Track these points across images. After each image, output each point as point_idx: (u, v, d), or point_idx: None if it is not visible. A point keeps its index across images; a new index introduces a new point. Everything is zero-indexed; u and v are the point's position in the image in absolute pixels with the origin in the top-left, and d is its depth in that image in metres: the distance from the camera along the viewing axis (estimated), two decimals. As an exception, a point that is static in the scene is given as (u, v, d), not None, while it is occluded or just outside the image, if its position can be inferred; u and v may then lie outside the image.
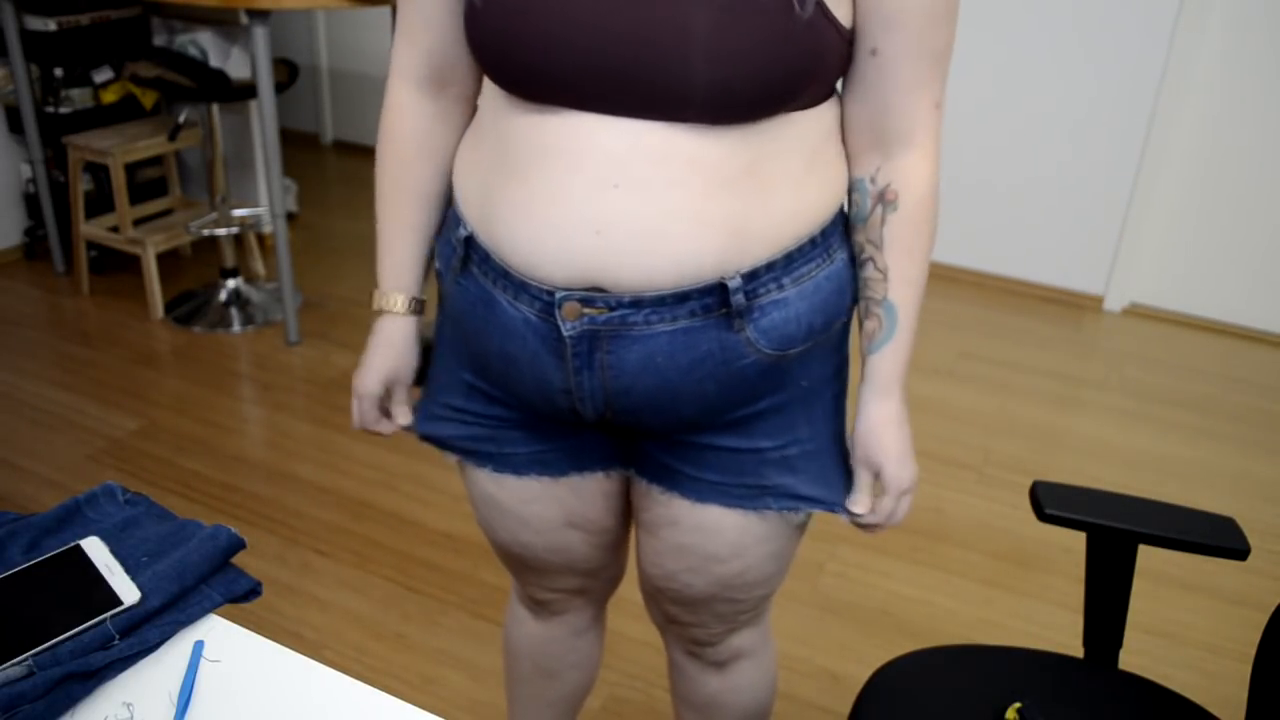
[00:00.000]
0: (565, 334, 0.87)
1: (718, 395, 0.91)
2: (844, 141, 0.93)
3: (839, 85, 0.91)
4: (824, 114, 0.88)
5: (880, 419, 0.97)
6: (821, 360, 0.95)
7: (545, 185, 0.83)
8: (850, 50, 0.85)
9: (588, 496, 1.07)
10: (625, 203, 0.81)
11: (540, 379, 0.92)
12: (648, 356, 0.87)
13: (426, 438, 1.10)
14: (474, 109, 1.01)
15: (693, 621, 1.14)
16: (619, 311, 0.85)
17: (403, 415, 1.13)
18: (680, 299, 0.85)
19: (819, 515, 2.27)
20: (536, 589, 1.22)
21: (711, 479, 0.97)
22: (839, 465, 1.00)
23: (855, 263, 0.95)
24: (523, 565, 1.17)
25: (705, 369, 0.88)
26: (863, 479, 0.99)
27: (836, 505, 0.99)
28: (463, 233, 0.93)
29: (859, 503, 0.99)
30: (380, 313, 1.06)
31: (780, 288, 0.88)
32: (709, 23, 0.75)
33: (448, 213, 1.00)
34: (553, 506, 1.07)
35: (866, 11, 0.83)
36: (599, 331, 0.86)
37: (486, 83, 0.91)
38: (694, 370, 0.88)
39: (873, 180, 0.91)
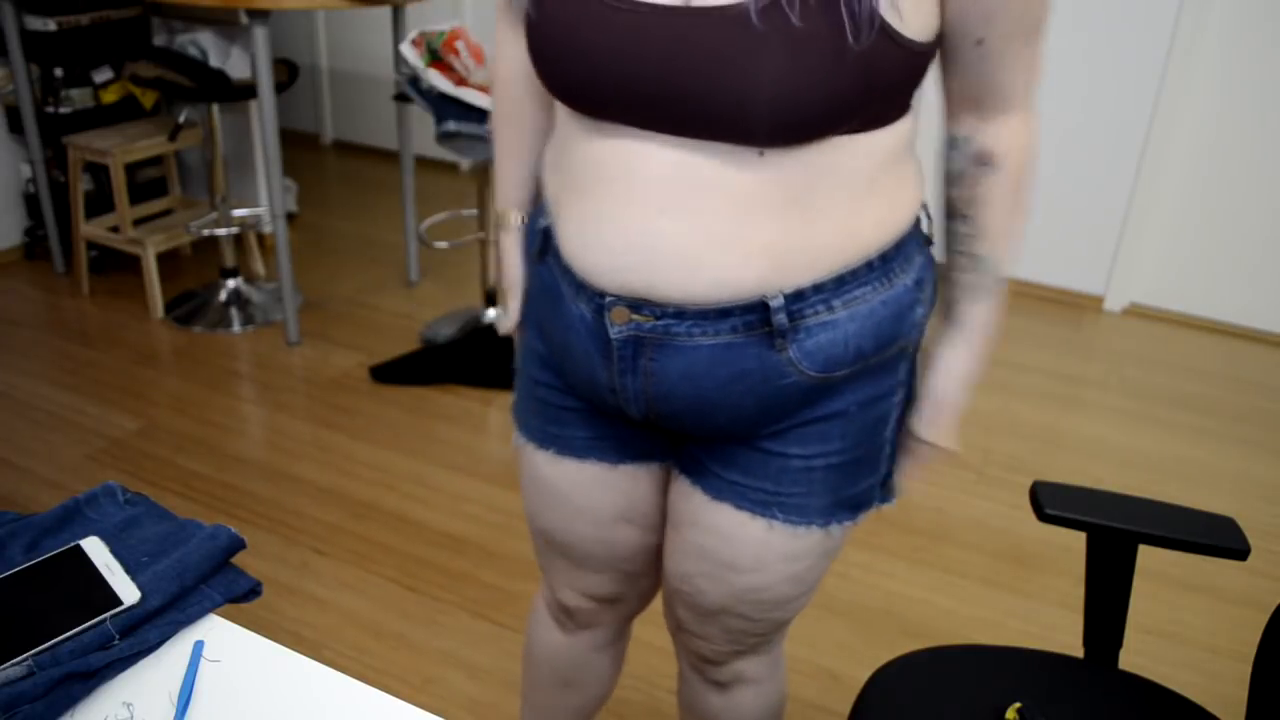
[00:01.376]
0: (612, 336, 0.90)
1: (755, 410, 0.91)
2: (945, 101, 0.92)
3: (915, 99, 0.90)
4: (893, 133, 0.86)
5: (958, 370, 0.99)
6: (871, 383, 0.93)
7: (597, 205, 0.87)
8: (925, 61, 0.84)
9: (642, 487, 1.08)
10: (670, 227, 0.83)
11: (590, 375, 0.95)
12: (688, 367, 0.89)
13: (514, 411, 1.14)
14: None
15: (700, 634, 1.13)
16: (663, 321, 0.87)
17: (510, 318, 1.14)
18: (722, 314, 0.86)
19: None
20: (569, 593, 1.21)
21: (731, 478, 0.98)
22: (855, 480, 0.99)
23: (925, 276, 0.93)
24: (566, 560, 1.17)
25: (745, 385, 0.89)
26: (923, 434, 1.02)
27: (831, 521, 0.99)
28: (543, 223, 0.97)
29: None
30: (500, 229, 1.11)
31: (830, 309, 0.87)
32: (769, 51, 0.74)
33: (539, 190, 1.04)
34: (608, 495, 1.08)
35: (962, 10, 0.82)
36: (644, 338, 0.89)
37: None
38: (733, 385, 0.89)
39: (969, 140, 0.91)
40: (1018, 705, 1.07)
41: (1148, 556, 2.18)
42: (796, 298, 0.86)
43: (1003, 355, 3.09)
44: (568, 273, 0.93)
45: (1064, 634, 1.97)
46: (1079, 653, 1.86)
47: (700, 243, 0.83)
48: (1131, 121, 3.21)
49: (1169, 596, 2.09)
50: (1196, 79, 3.15)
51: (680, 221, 0.83)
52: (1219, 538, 1.11)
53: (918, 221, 0.93)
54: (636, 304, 0.87)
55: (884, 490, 1.03)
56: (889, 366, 0.94)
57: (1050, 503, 1.15)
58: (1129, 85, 3.18)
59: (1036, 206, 3.43)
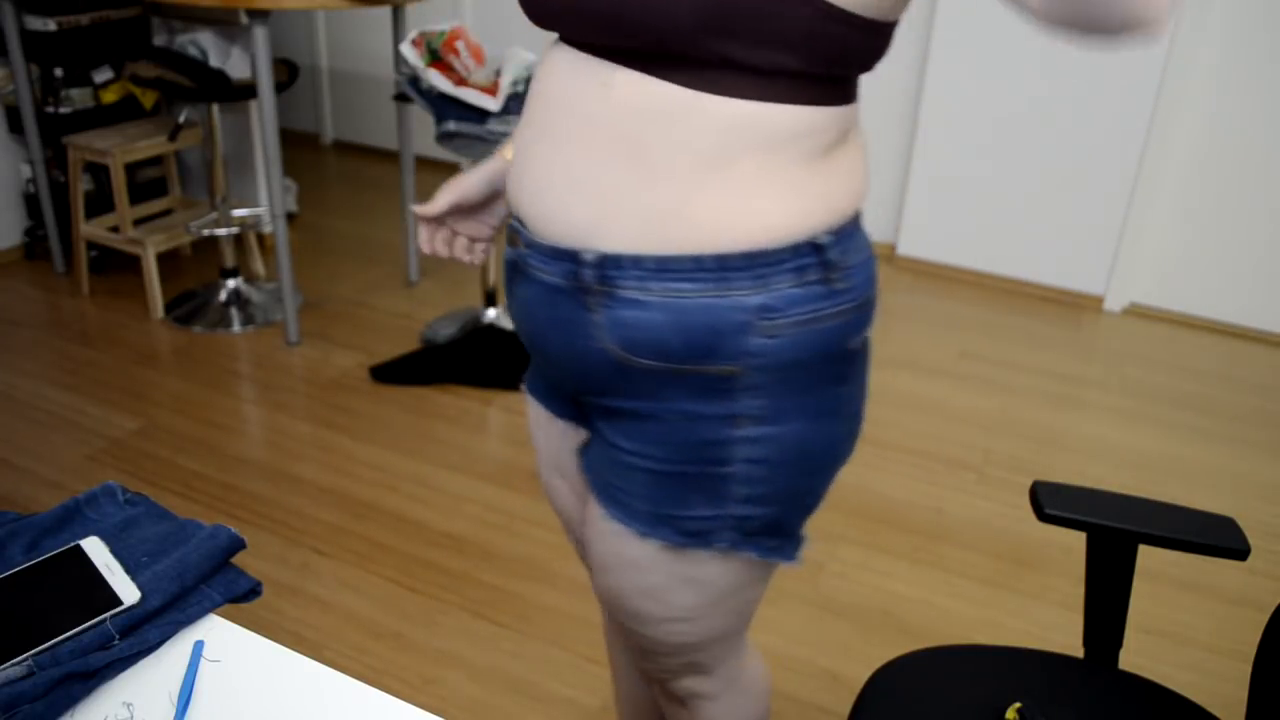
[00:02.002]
0: (505, 258, 0.96)
1: (572, 366, 0.90)
2: None
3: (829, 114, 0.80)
4: (771, 114, 0.77)
5: None
6: (693, 397, 0.85)
7: (522, 127, 0.90)
8: (838, 29, 0.75)
9: (568, 445, 1.09)
10: (540, 152, 0.86)
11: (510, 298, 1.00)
12: (529, 300, 0.91)
13: None
14: None
15: (629, 643, 1.08)
16: (522, 251, 0.90)
17: (478, 258, 1.14)
18: (555, 255, 0.86)
19: (813, 517, 2.27)
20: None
21: (589, 455, 0.99)
22: (684, 501, 0.90)
23: (786, 309, 0.82)
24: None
25: (561, 335, 0.88)
26: None
27: (651, 534, 0.92)
28: None
29: None
30: (498, 154, 1.10)
31: (645, 290, 0.81)
32: None
33: None
34: (546, 442, 1.11)
35: None
36: (515, 263, 0.92)
37: None
38: (553, 330, 0.90)
39: None
40: (1018, 705, 1.07)
41: (1148, 556, 2.18)
42: (612, 263, 0.81)
43: (1003, 355, 3.09)
44: None
45: (1064, 634, 1.97)
46: (1079, 653, 1.86)
47: (553, 175, 0.84)
48: (1131, 122, 3.21)
49: (1169, 596, 2.09)
50: (1196, 79, 3.15)
51: (547, 147, 0.85)
52: (1219, 538, 1.11)
53: (793, 251, 0.81)
54: (516, 229, 0.91)
55: (758, 542, 0.92)
56: (719, 390, 0.84)
57: (1050, 503, 1.15)
58: (1129, 85, 3.18)
59: (1036, 206, 3.44)
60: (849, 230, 0.85)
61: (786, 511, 0.92)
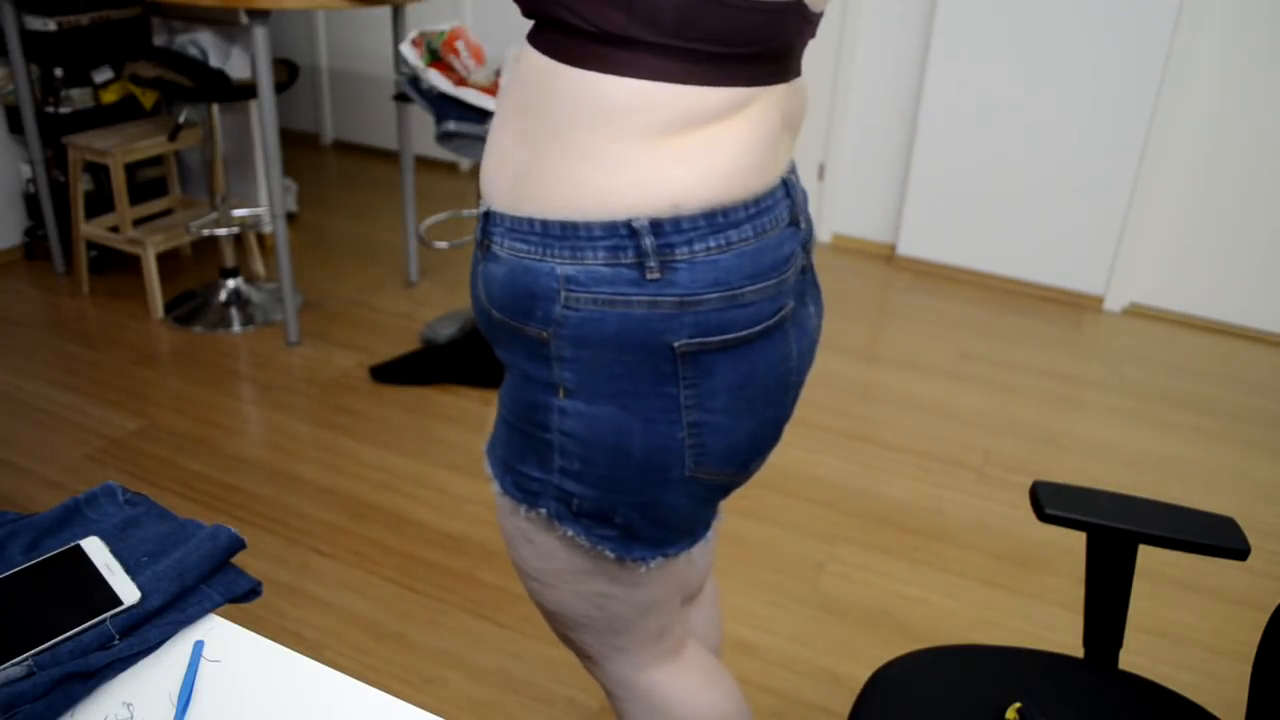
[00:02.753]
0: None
1: (484, 323, 0.95)
2: None
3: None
4: (619, 89, 0.77)
5: None
6: (523, 354, 0.89)
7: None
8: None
9: None
10: (491, 126, 0.92)
11: None
12: (472, 259, 0.96)
13: None
14: None
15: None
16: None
17: None
18: (482, 217, 0.92)
19: (813, 517, 2.27)
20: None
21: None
22: (521, 456, 0.94)
23: (588, 285, 0.83)
24: None
25: (473, 290, 0.95)
26: None
27: (499, 482, 0.98)
28: None
29: None
30: None
31: (501, 245, 0.87)
32: None
33: None
34: None
35: None
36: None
37: None
38: (474, 280, 0.94)
39: None
40: (1018, 705, 1.07)
41: (1148, 556, 2.18)
42: (494, 220, 0.89)
43: (1003, 355, 3.09)
44: None
45: (1064, 634, 1.97)
46: (1079, 653, 1.86)
47: (493, 141, 0.90)
48: (1131, 121, 3.21)
49: (1169, 596, 2.09)
50: (1196, 79, 3.15)
51: (494, 120, 0.91)
52: (1219, 538, 1.11)
53: (611, 227, 0.80)
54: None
55: (572, 516, 0.93)
56: (540, 353, 0.87)
57: (1050, 503, 1.15)
58: (1129, 85, 3.18)
59: (1036, 206, 3.44)
60: (685, 223, 0.80)
61: (613, 502, 0.91)
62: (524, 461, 0.94)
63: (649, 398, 0.86)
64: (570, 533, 0.95)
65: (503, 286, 0.87)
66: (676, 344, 0.83)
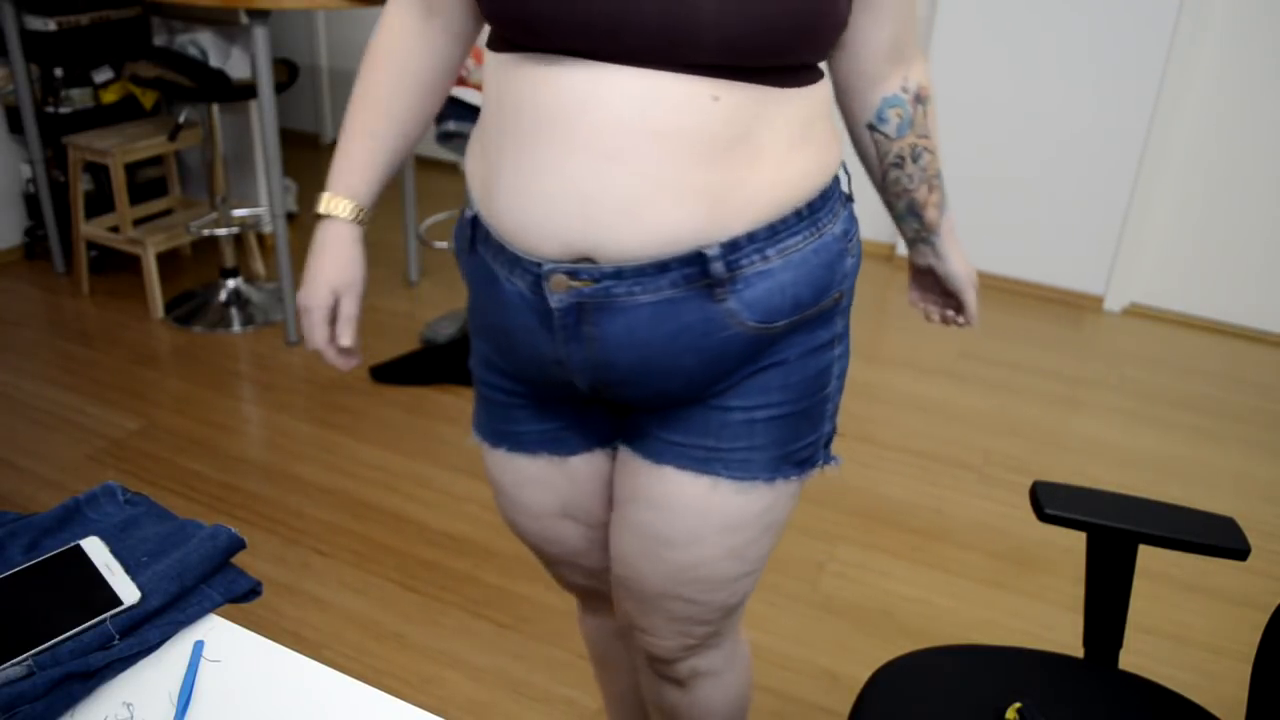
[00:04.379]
0: (552, 306, 0.88)
1: (699, 368, 0.91)
2: (864, 72, 0.98)
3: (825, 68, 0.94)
4: (813, 95, 0.89)
5: (960, 253, 1.10)
6: (808, 335, 0.94)
7: (541, 155, 0.84)
8: (848, 9, 0.88)
9: (586, 481, 1.08)
10: (618, 174, 0.82)
11: (535, 352, 0.94)
12: (630, 328, 0.88)
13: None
14: (462, 48, 1.03)
15: (645, 627, 1.11)
16: (603, 283, 0.86)
17: (346, 335, 1.04)
18: (661, 269, 0.85)
19: (813, 517, 2.27)
20: (561, 577, 1.23)
21: (673, 438, 0.98)
22: (798, 434, 0.99)
23: (850, 229, 0.97)
24: (538, 552, 1.18)
25: (686, 341, 0.89)
26: (970, 297, 1.11)
27: (777, 476, 0.99)
28: (469, 213, 0.95)
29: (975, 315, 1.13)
30: (324, 217, 1.03)
31: (765, 259, 0.88)
32: None
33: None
34: (550, 493, 1.08)
35: None
36: (585, 304, 0.87)
37: (489, 55, 0.91)
38: (675, 342, 0.89)
39: (905, 90, 0.99)
40: (1018, 705, 1.07)
41: (1148, 556, 2.18)
42: (732, 247, 0.86)
43: (1003, 355, 3.09)
44: (501, 251, 0.91)
45: (1064, 634, 1.97)
46: (1079, 653, 1.86)
47: (647, 191, 0.83)
48: (1131, 121, 3.21)
49: (1169, 596, 2.09)
50: (1196, 79, 3.15)
51: (628, 167, 0.82)
52: (1219, 538, 1.11)
53: (837, 180, 0.96)
54: (574, 269, 0.86)
55: (827, 450, 1.04)
56: (826, 319, 0.95)
57: (1050, 503, 1.15)
58: (1129, 85, 3.18)
59: (1036, 206, 3.44)
60: (843, 173, 1.00)
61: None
62: (799, 437, 0.99)
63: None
64: (827, 465, 1.05)
65: (798, 286, 0.90)
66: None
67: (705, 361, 0.91)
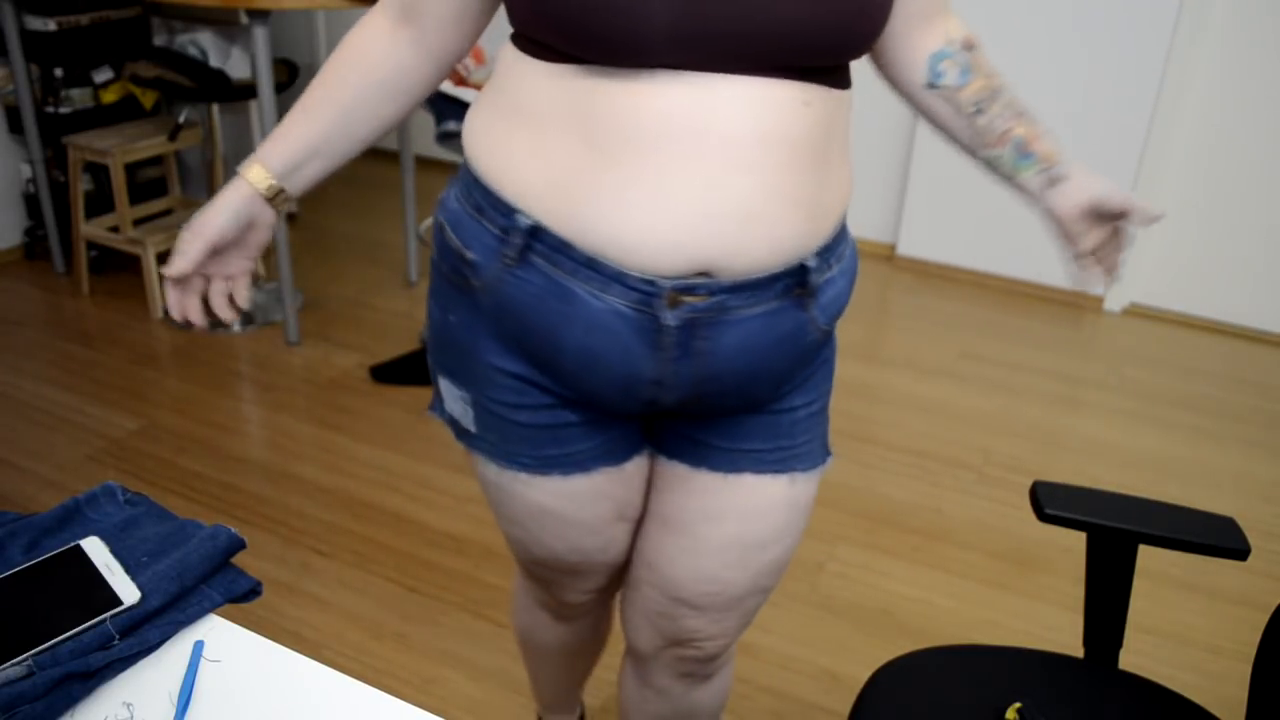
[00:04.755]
0: (667, 323, 0.85)
1: (787, 373, 0.96)
2: (903, 35, 0.97)
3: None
4: (850, 99, 0.91)
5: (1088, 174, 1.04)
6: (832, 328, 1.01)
7: (652, 169, 0.80)
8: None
9: (636, 480, 1.08)
10: (734, 185, 0.81)
11: (630, 372, 0.89)
12: (743, 340, 0.89)
13: (468, 435, 1.03)
14: (432, 65, 0.98)
15: (715, 634, 1.10)
16: (719, 297, 0.85)
17: (242, 297, 1.02)
18: (772, 280, 0.87)
19: (813, 517, 2.27)
20: (574, 594, 1.20)
21: (745, 446, 1.00)
22: (828, 420, 1.08)
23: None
24: (572, 573, 1.14)
25: (784, 349, 0.92)
26: (1131, 200, 1.04)
27: (827, 459, 1.08)
28: (524, 222, 0.86)
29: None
30: (236, 180, 0.98)
31: (829, 267, 0.92)
32: None
33: (483, 199, 0.90)
34: (607, 502, 1.05)
35: None
36: (698, 319, 0.86)
37: (535, 64, 0.84)
38: (776, 350, 0.92)
39: (950, 42, 0.98)
40: (1018, 705, 1.07)
41: (1148, 556, 2.16)
42: (823, 256, 0.91)
43: (1003, 355, 3.09)
44: (589, 266, 0.84)
45: (1064, 634, 1.97)
46: (1079, 653, 1.86)
47: (761, 202, 0.83)
48: (1131, 121, 3.21)
49: (1169, 596, 2.09)
50: (1196, 78, 3.15)
51: (747, 178, 0.81)
52: (1219, 538, 1.11)
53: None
54: (690, 285, 0.84)
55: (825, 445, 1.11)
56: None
57: (1050, 503, 1.15)
58: (1129, 85, 3.18)
59: (1036, 206, 3.43)
60: None
61: None
62: (826, 424, 1.08)
63: None
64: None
65: (848, 290, 0.97)
66: None
67: (793, 367, 0.95)
